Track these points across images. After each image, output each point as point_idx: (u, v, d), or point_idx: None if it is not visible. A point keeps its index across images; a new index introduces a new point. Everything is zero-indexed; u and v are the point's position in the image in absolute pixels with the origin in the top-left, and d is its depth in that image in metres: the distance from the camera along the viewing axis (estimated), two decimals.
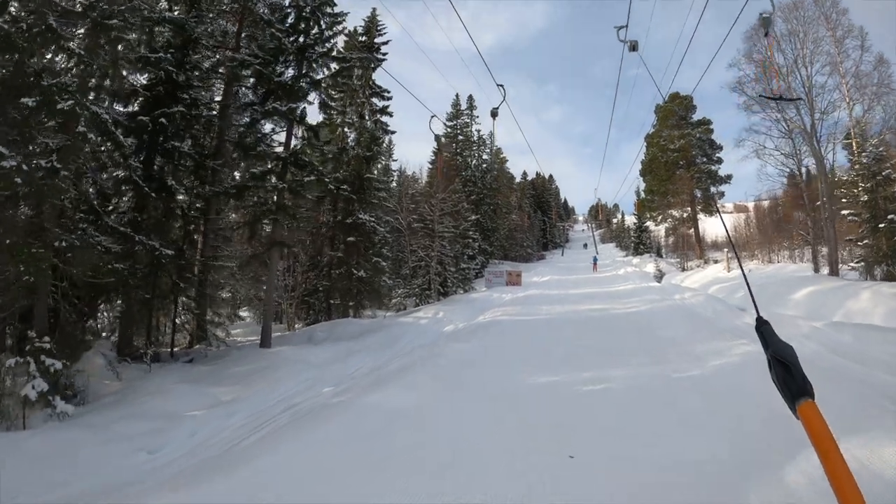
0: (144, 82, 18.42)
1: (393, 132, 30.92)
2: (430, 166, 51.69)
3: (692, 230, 49.00)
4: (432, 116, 21.06)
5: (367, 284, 26.34)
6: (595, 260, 58.49)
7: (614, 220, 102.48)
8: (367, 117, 29.11)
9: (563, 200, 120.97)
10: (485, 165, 56.82)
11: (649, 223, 59.73)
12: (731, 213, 56.09)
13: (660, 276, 38.35)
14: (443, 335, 18.85)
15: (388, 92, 30.23)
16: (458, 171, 50.73)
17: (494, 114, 19.59)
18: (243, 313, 33.43)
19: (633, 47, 15.70)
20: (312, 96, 21.33)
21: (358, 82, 29.39)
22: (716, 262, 40.74)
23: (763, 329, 1.48)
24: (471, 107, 55.45)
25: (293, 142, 20.24)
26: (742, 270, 2.21)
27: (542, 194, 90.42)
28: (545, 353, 12.91)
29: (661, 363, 10.87)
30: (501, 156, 65.77)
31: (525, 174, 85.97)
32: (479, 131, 56.82)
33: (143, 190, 16.44)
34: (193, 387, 12.62)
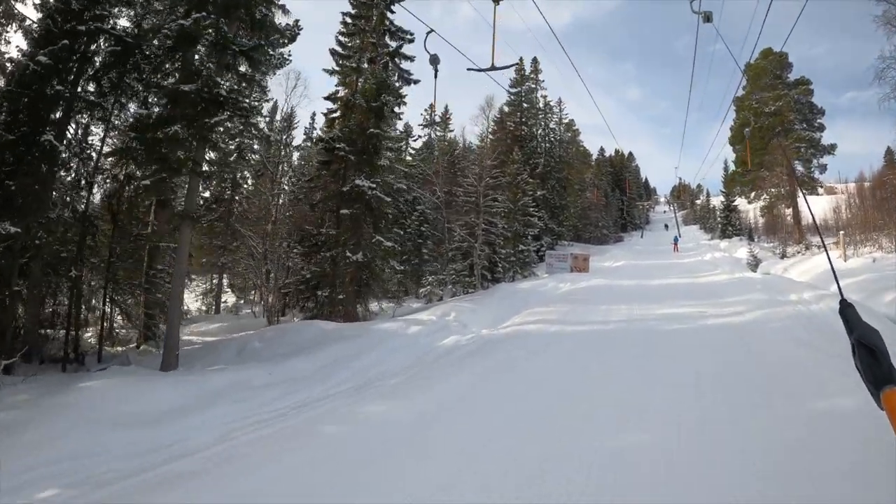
0: None
1: (416, 81, 23.24)
2: (492, 137, 44.06)
3: (790, 209, 39.73)
4: (428, 32, 13.94)
5: (367, 271, 19.02)
6: (676, 240, 51.36)
7: (697, 202, 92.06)
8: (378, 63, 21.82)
9: (643, 180, 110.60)
10: (552, 136, 48.80)
11: (739, 201, 50.66)
12: (821, 195, 46.07)
13: (755, 263, 30.02)
14: (421, 359, 11.28)
15: (411, 34, 22.82)
16: (524, 141, 43.15)
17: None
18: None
19: (708, 18, 13.57)
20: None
21: (369, 24, 22.30)
22: (818, 247, 32.17)
23: (847, 312, 1.33)
24: (535, 70, 47.28)
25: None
26: (828, 258, 1.96)
27: (620, 172, 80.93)
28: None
29: None
30: (574, 128, 57.54)
31: (602, 150, 77.02)
32: (545, 97, 48.59)
33: None
34: None
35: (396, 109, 22.62)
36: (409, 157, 37.74)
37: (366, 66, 21.86)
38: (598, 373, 8.49)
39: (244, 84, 16.02)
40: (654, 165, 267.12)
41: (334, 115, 22.43)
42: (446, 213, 27.28)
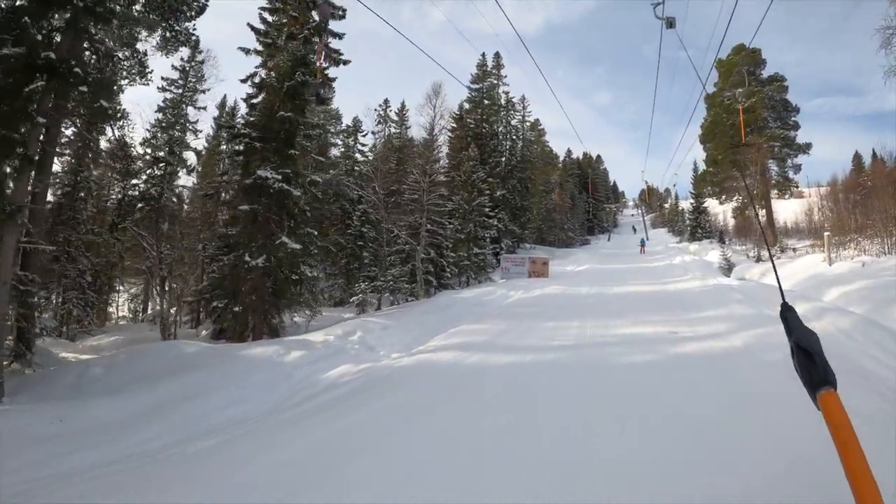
0: None
1: (346, 61, 19.91)
2: (450, 134, 40.87)
3: (763, 211, 37.00)
4: None
5: (272, 277, 15.60)
6: (643, 242, 49.29)
7: (666, 205, 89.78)
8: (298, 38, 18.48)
9: (611, 183, 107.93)
10: (515, 134, 45.72)
11: (710, 203, 48.18)
12: (788, 199, 43.29)
13: (728, 268, 27.18)
14: (281, 404, 7.72)
15: (342, 9, 19.51)
16: (485, 139, 39.96)
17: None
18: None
19: (671, 24, 13.83)
20: None
21: None
22: (794, 250, 29.65)
23: (788, 315, 1.39)
24: (498, 65, 44.04)
25: None
26: (771, 258, 2.54)
27: (587, 174, 77.86)
28: None
29: None
30: (539, 127, 54.55)
31: (569, 152, 73.96)
32: (507, 93, 45.34)
33: None
34: None
35: (323, 92, 19.30)
36: (358, 155, 34.35)
37: (290, 44, 18.59)
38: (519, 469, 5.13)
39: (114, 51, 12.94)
40: (623, 170, 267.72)
41: (254, 99, 19.15)
42: (389, 214, 24.00)
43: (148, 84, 18.07)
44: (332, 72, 20.00)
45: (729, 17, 32.16)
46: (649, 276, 24.76)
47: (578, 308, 14.66)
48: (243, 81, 19.33)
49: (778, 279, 1.69)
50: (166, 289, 17.65)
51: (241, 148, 17.22)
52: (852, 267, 18.42)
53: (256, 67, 19.41)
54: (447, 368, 8.70)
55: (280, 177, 15.37)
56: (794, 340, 1.28)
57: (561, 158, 67.16)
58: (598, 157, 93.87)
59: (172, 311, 18.64)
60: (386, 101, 41.70)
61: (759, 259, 28.83)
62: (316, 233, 17.07)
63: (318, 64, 18.29)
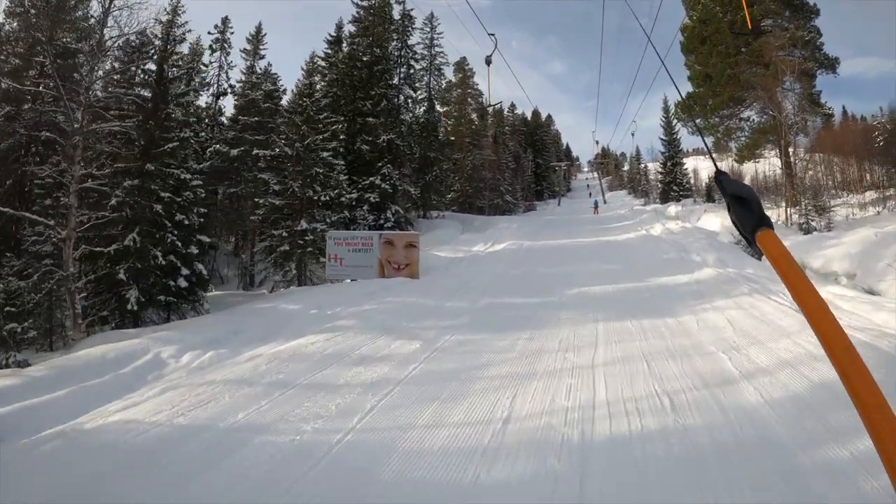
0: None
1: None
2: (323, 63, 26.67)
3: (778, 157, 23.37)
4: None
5: None
6: (596, 204, 41.27)
7: (624, 168, 77.32)
8: None
9: (564, 146, 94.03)
10: (415, 59, 30.88)
11: (688, 160, 35.28)
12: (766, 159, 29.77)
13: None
14: None
15: None
16: (371, 66, 25.74)
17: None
18: None
19: None
20: None
21: None
22: (827, 209, 17.36)
23: (721, 178, 1.24)
24: None
25: None
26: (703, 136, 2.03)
27: (535, 132, 63.12)
28: None
29: None
30: (466, 66, 40.47)
31: (513, 106, 58.40)
32: (402, 3, 29.97)
33: None
34: None
35: None
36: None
37: None
38: None
39: None
40: (578, 137, 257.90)
41: None
42: None
43: None
44: None
45: None
46: (620, 270, 11.71)
47: None
48: None
49: (711, 154, 1.76)
50: None
51: None
52: None
53: None
54: None
55: None
56: (729, 194, 1.09)
57: (505, 113, 52.78)
58: (549, 116, 79.37)
59: None
60: (225, 22, 27.36)
61: (806, 228, 15.38)
62: None
63: None
